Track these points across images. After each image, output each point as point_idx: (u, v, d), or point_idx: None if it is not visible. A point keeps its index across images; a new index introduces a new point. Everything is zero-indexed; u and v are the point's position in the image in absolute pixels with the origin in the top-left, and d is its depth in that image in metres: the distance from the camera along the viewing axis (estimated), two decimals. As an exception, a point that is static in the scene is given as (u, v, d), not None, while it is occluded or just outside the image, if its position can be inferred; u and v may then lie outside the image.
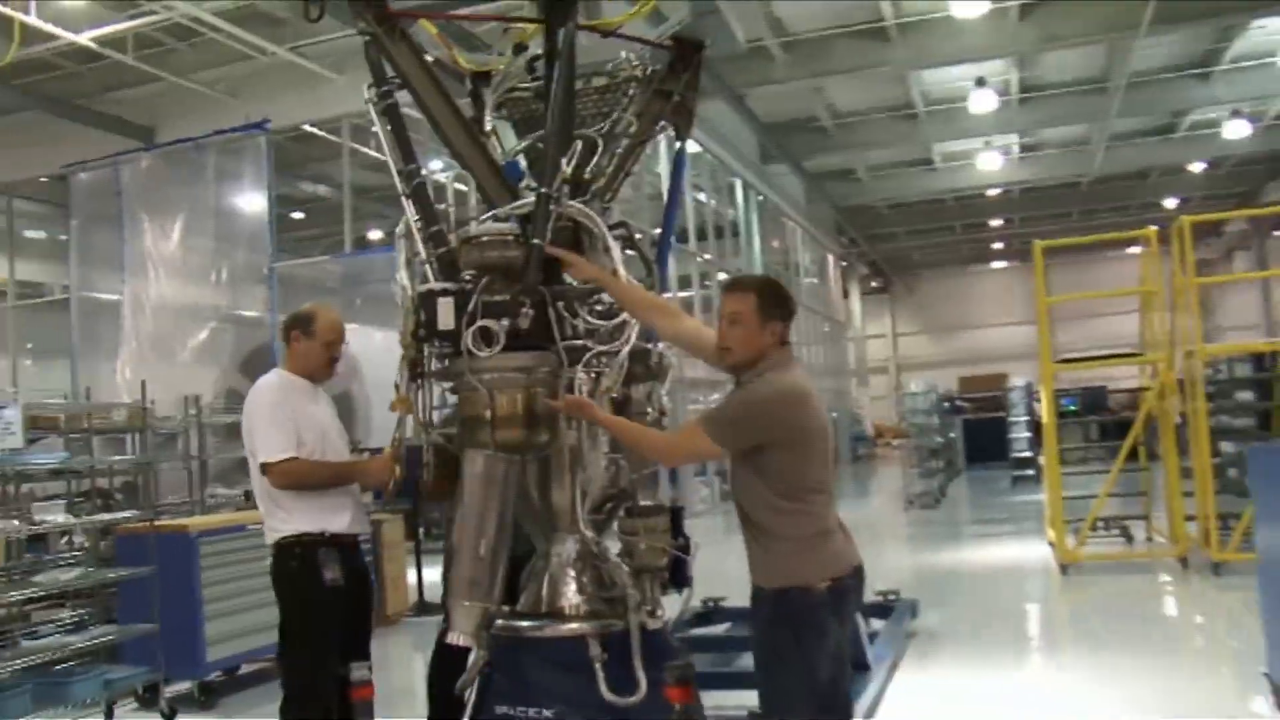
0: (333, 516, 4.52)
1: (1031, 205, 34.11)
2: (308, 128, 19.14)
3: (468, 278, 3.95)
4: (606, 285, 4.04)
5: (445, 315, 3.84)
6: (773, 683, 3.68)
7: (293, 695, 4.46)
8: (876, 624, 7.64)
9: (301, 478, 4.47)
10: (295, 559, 4.47)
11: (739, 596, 8.34)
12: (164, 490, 11.78)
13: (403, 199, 4.15)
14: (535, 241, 3.91)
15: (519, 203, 4.10)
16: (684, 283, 21.17)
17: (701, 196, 22.53)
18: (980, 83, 21.18)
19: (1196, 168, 30.82)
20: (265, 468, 4.47)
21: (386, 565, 10.13)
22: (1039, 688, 6.99)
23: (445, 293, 3.87)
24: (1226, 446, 11.53)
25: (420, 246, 4.10)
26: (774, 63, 19.11)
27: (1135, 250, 42.40)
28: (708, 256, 22.38)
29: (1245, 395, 12.65)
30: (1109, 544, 12.01)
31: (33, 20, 13.90)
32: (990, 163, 27.65)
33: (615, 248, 4.12)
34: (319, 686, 4.35)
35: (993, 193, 32.68)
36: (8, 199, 21.13)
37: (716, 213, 23.42)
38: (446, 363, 3.98)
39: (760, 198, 26.01)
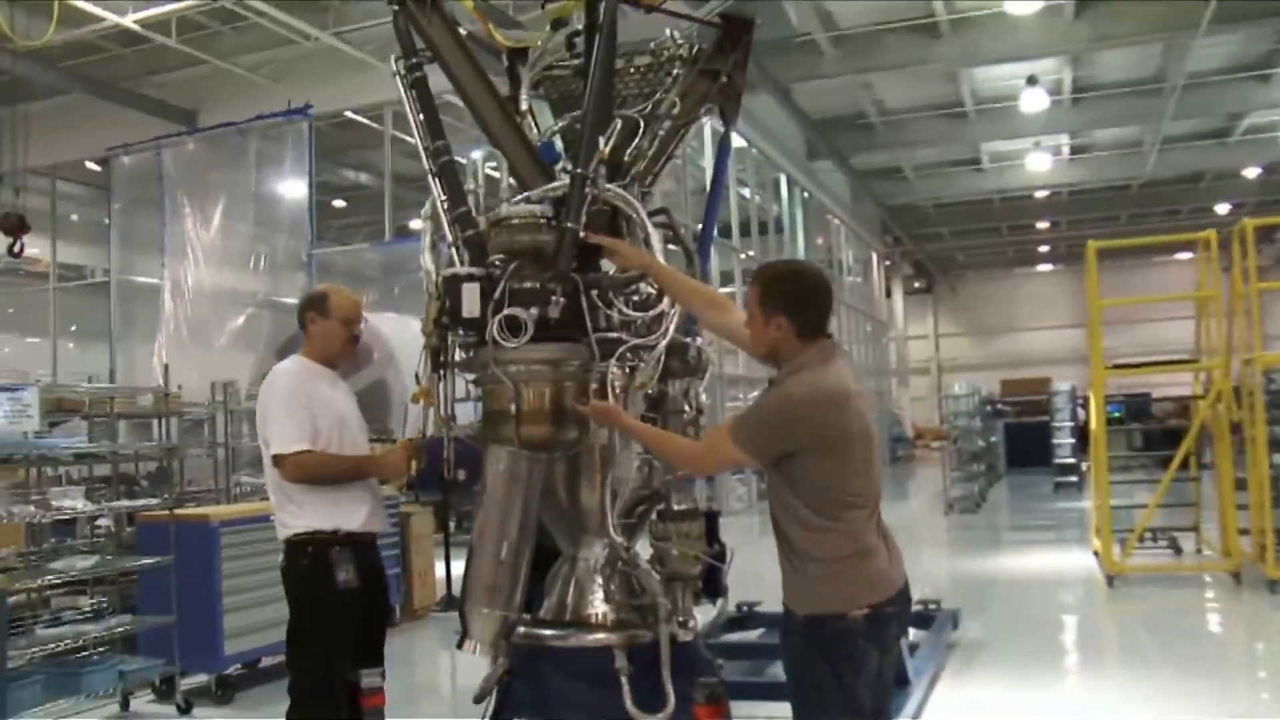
0: (348, 514, 4.30)
1: (1080, 208, 33.57)
2: (350, 114, 19.06)
3: (496, 263, 3.70)
4: (652, 272, 3.78)
5: (470, 302, 3.60)
6: (807, 713, 3.37)
7: (301, 700, 4.24)
8: (916, 635, 7.36)
9: (315, 471, 4.25)
10: (307, 557, 4.25)
11: (774, 601, 8.16)
12: (193, 478, 11.70)
13: (430, 178, 3.92)
14: (569, 225, 3.67)
15: (553, 185, 3.86)
16: (726, 278, 20.89)
17: (745, 192, 22.25)
18: (1032, 81, 20.75)
19: (1251, 173, 30.22)
20: (277, 460, 4.26)
21: (415, 559, 9.96)
22: (1083, 706, 6.68)
23: (471, 278, 3.63)
24: (1279, 459, 11.14)
25: (446, 229, 3.87)
26: (822, 57, 18.80)
27: (1184, 256, 41.98)
28: (751, 253, 22.08)
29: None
30: (1156, 556, 11.64)
31: (77, 2, 13.83)
32: (1039, 163, 27.16)
33: (655, 235, 3.88)
34: (328, 691, 4.13)
35: (1041, 194, 32.18)
36: (51, 181, 21.16)
37: (760, 208, 23.12)
38: (471, 353, 3.74)
39: (805, 194, 25.68)
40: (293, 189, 17.15)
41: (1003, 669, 7.41)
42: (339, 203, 26.13)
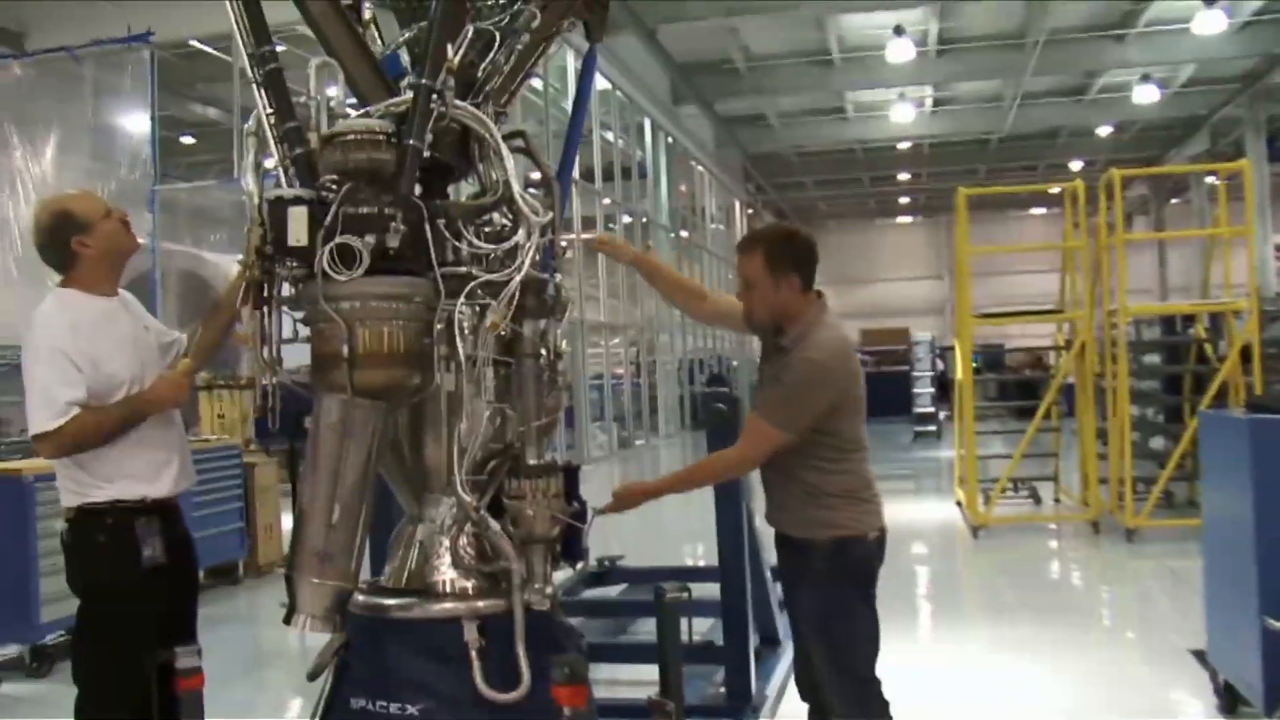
0: (154, 477, 3.67)
1: (941, 160, 34.06)
2: (196, 44, 18.03)
3: (328, 185, 3.22)
4: (642, 267, 4.09)
5: (297, 228, 3.10)
6: (835, 637, 3.61)
7: (91, 693, 3.62)
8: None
9: (82, 439, 3.52)
10: (105, 531, 3.59)
11: (636, 556, 7.90)
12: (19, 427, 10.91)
13: (254, 89, 3.42)
14: (411, 142, 3.20)
15: (395, 99, 3.39)
16: (589, 223, 20.49)
17: (609, 135, 21.83)
18: (898, 31, 20.74)
19: (1104, 131, 30.99)
20: (35, 441, 3.57)
21: (259, 511, 9.46)
22: (953, 656, 6.55)
23: (298, 200, 3.13)
24: (1132, 410, 11.28)
25: (272, 146, 3.37)
26: (689, -1, 18.46)
27: (1039, 211, 43.02)
28: (611, 199, 21.69)
29: (1153, 359, 12.47)
30: (1017, 506, 11.73)
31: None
32: (903, 115, 27.29)
33: (509, 157, 3.44)
34: (125, 684, 3.54)
35: (903, 146, 32.52)
36: None
37: (624, 153, 22.74)
38: (299, 287, 3.26)
39: (669, 139, 25.39)
40: (134, 122, 16.13)
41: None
42: (187, 139, 24.95)
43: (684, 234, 27.75)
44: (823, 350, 3.56)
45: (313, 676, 3.62)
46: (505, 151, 3.44)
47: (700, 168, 29.04)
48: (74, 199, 3.79)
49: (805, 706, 3.90)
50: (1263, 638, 4.40)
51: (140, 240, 4.06)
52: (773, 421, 3.56)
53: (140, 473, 3.65)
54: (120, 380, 3.61)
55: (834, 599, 3.61)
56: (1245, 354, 9.78)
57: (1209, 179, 28.74)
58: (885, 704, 3.66)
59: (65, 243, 3.65)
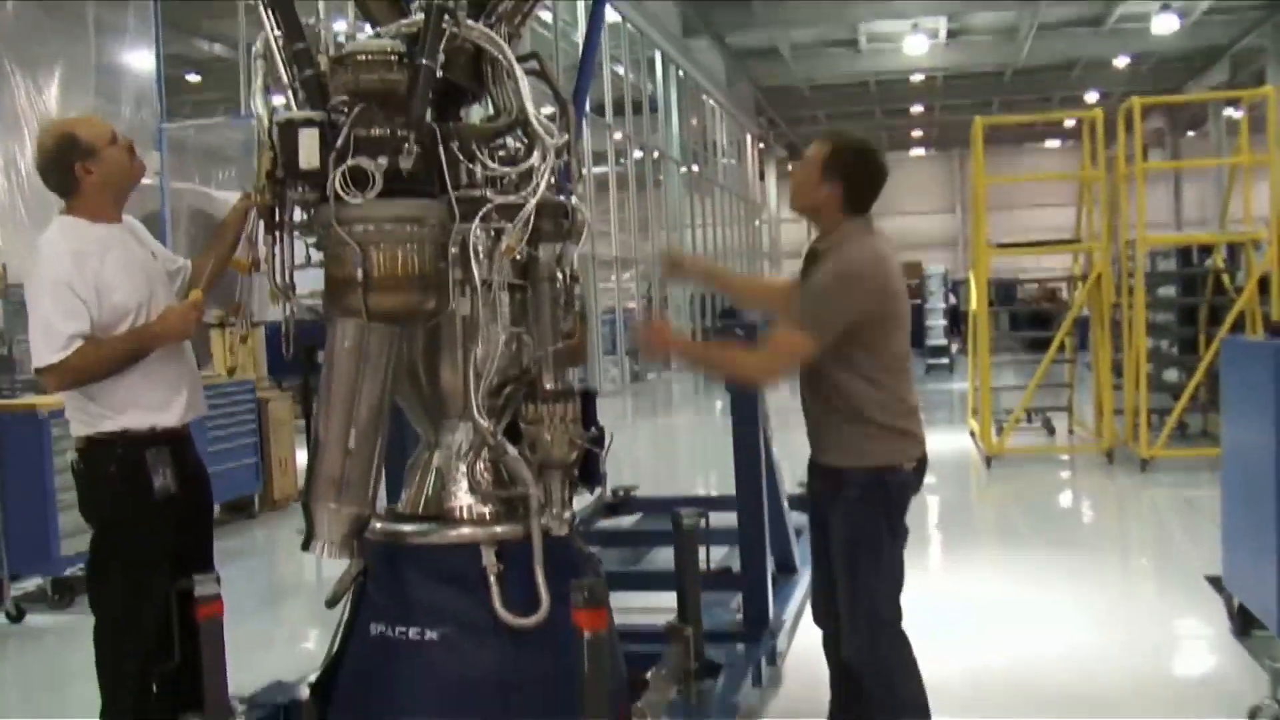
0: (162, 406, 3.62)
1: (954, 93, 33.71)
2: (200, -21, 17.87)
3: (339, 107, 3.17)
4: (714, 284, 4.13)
5: (308, 151, 3.05)
6: (860, 573, 3.53)
7: (108, 624, 3.61)
8: (800, 520, 7.15)
9: (85, 372, 3.47)
10: (115, 461, 3.55)
11: (651, 486, 7.92)
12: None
13: (261, 9, 3.36)
14: (424, 62, 3.15)
15: (406, 20, 3.34)
16: (599, 158, 20.35)
17: (619, 69, 21.61)
18: (912, -41, 20.42)
19: (1121, 62, 30.56)
20: (39, 375, 3.51)
21: (273, 446, 9.49)
22: (967, 585, 6.57)
23: (309, 123, 3.09)
24: (1147, 341, 11.22)
25: (281, 69, 3.32)
26: (701, -72, 18.18)
27: (1054, 144, 42.65)
28: (622, 134, 21.52)
29: (1168, 290, 12.40)
30: (1032, 436, 11.72)
31: None
32: (917, 46, 26.95)
33: (523, 80, 3.39)
34: (141, 613, 3.54)
35: (916, 78, 32.14)
36: None
37: (635, 86, 22.53)
38: (311, 212, 3.22)
39: (680, 73, 25.14)
40: (139, 60, 16.01)
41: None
42: (193, 77, 24.78)
43: (695, 168, 27.56)
44: (853, 260, 3.46)
45: (331, 604, 3.63)
46: (519, 73, 3.39)
47: (711, 101, 28.78)
48: (79, 123, 3.70)
49: (820, 632, 3.88)
50: (1279, 560, 4.39)
51: (148, 180, 3.99)
52: (801, 322, 3.44)
53: (150, 402, 3.60)
54: (127, 309, 3.55)
55: (864, 532, 3.52)
56: (1264, 285, 9.70)
57: (1227, 111, 28.41)
58: (902, 644, 3.58)
59: (69, 167, 3.57)
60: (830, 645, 3.82)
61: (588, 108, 16.51)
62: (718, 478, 9.72)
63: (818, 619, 3.88)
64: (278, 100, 3.39)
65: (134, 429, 3.57)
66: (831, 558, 3.65)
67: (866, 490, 3.50)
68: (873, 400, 3.48)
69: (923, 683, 3.58)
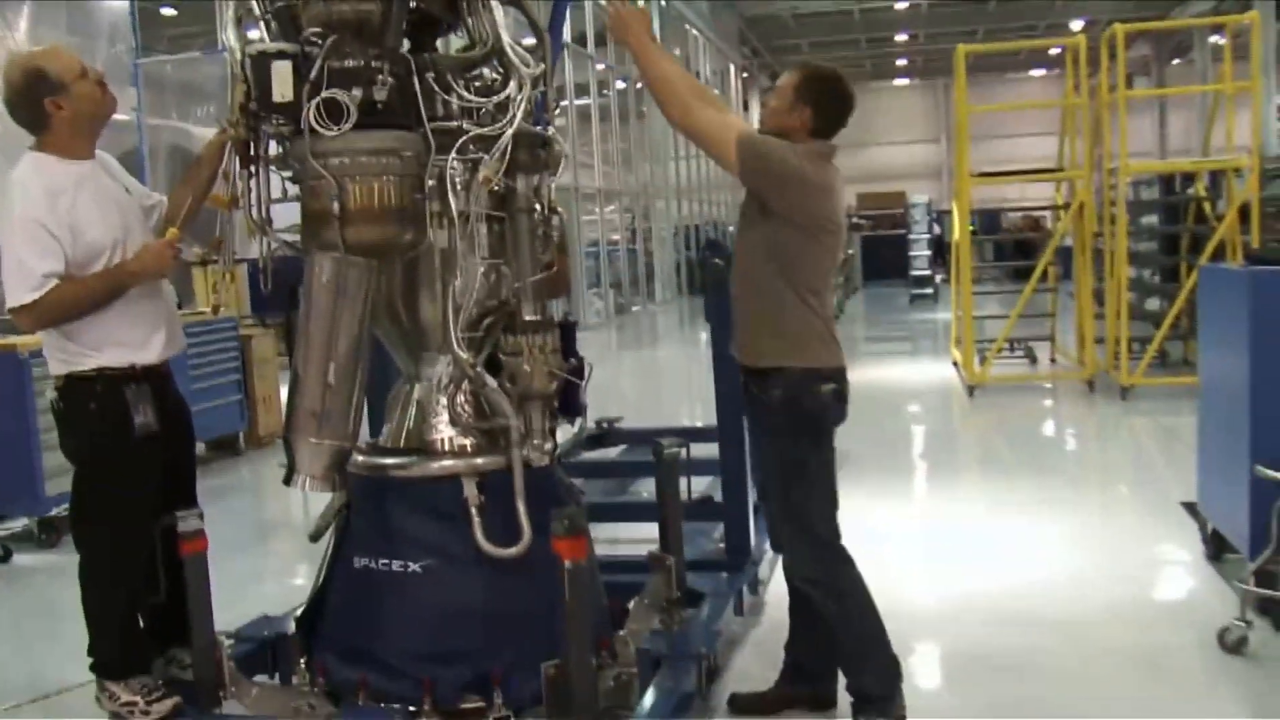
0: (142, 344, 3.58)
1: (938, 21, 33.36)
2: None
3: (313, 38, 3.14)
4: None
5: (282, 83, 3.04)
6: (792, 486, 3.60)
7: (93, 562, 3.63)
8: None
9: (61, 312, 3.42)
10: (94, 399, 3.53)
11: (635, 417, 7.94)
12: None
13: (231, -62, 3.32)
14: (398, -9, 3.13)
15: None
16: (581, 90, 20.16)
17: (601, -1, 21.34)
18: (896, -117, 20.15)
19: (1106, -12, 30.28)
20: (14, 315, 3.45)
21: (257, 384, 9.46)
22: (953, 515, 6.63)
23: (282, 55, 3.06)
24: (1129, 270, 11.25)
25: (254, 1, 3.29)
26: None
27: (1038, 73, 42.39)
28: (605, 64, 21.31)
29: (1150, 219, 12.39)
30: (1014, 365, 11.78)
31: None
32: (901, -27, 26.66)
33: (498, 9, 3.36)
34: (125, 550, 3.56)
35: (900, 6, 31.82)
36: None
37: (616, 17, 22.25)
38: (286, 145, 3.20)
39: (663, 2, 24.83)
40: (111, -9, 15.76)
41: (871, 481, 7.32)
42: (168, 10, 24.36)
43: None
44: (806, 160, 3.52)
45: (315, 538, 3.67)
46: (494, 2, 3.36)
47: (695, 31, 28.47)
48: (47, 55, 3.60)
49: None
50: (1251, 485, 4.43)
51: (124, 116, 3.92)
52: (738, 136, 3.47)
53: (128, 340, 3.56)
54: (102, 246, 3.50)
55: (788, 451, 3.59)
56: (1244, 213, 9.70)
57: (1213, 38, 28.23)
58: (845, 560, 3.63)
59: (38, 103, 3.49)
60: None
61: (569, 38, 16.27)
62: (703, 409, 9.76)
63: (772, 543, 3.91)
64: (254, 34, 3.35)
65: (112, 366, 3.54)
66: (765, 479, 3.76)
67: (788, 411, 3.55)
68: (794, 308, 3.53)
69: (871, 597, 3.62)
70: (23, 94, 3.52)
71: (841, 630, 3.61)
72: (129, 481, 3.58)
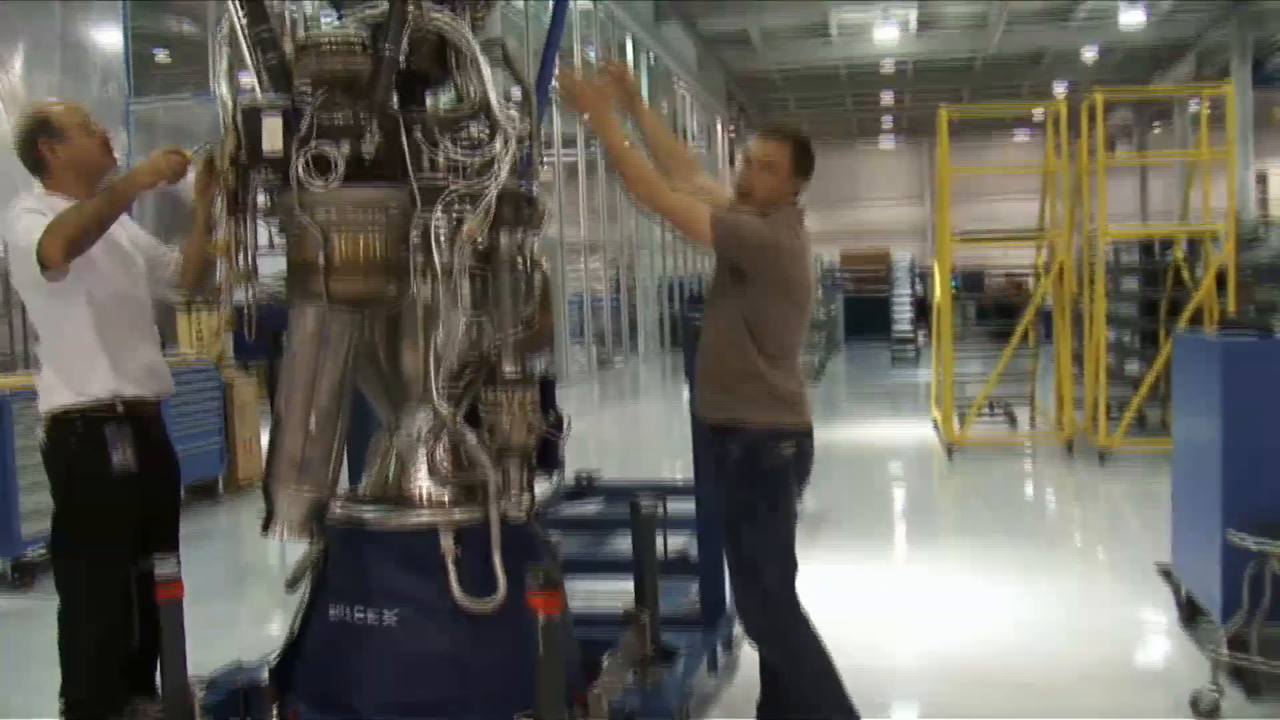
0: (123, 383, 3.64)
1: (924, 82, 33.81)
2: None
3: (303, 92, 3.20)
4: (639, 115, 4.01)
5: (272, 136, 3.08)
6: (744, 539, 3.66)
7: (68, 601, 3.64)
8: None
9: (75, 229, 3.41)
10: (74, 436, 3.60)
11: (614, 470, 7.96)
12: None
13: (226, -6, 3.37)
14: (387, 50, 3.18)
15: (370, 6, 3.37)
16: (569, 143, 20.32)
17: (591, 54, 21.58)
18: (883, -52, 20.50)
19: (1089, 54, 30.75)
20: (40, 253, 3.40)
21: (238, 428, 9.47)
22: (926, 577, 6.65)
23: (272, 109, 3.12)
24: (1109, 334, 11.35)
25: (246, 54, 3.33)
26: (673, -88, 18.18)
27: (1022, 137, 42.86)
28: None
29: (1130, 283, 12.52)
30: (993, 427, 11.83)
31: None
32: (887, 34, 27.08)
33: (486, 67, 3.42)
34: (100, 591, 3.57)
35: (886, 67, 32.23)
36: None
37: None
38: (274, 196, 3.24)
39: (652, 58, 25.11)
40: (105, 36, 15.82)
41: (847, 541, 7.34)
42: (161, 55, 24.55)
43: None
44: (780, 227, 3.63)
45: (291, 586, 3.67)
46: (482, 60, 3.41)
47: (682, 87, 28.77)
48: (54, 106, 3.79)
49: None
50: (1223, 550, 4.47)
51: (117, 156, 4.02)
52: (710, 209, 3.58)
53: (108, 377, 3.63)
54: (85, 280, 3.58)
55: (743, 502, 3.67)
56: (1221, 278, 9.83)
57: (1193, 104, 28.64)
58: (798, 620, 3.64)
59: (34, 144, 3.66)
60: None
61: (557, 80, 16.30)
62: (683, 463, 9.78)
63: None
64: (246, 80, 3.40)
65: (94, 403, 3.59)
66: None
67: (745, 463, 3.62)
68: (760, 368, 3.61)
69: (829, 657, 3.63)
70: (24, 136, 3.69)
71: (795, 690, 3.63)
72: (105, 520, 3.61)
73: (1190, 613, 5.26)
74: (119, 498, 3.62)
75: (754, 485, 3.63)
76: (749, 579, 3.66)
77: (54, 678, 3.64)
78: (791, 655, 3.62)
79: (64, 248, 3.43)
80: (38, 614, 5.70)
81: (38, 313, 3.72)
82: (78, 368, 3.61)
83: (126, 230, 3.88)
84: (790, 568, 3.67)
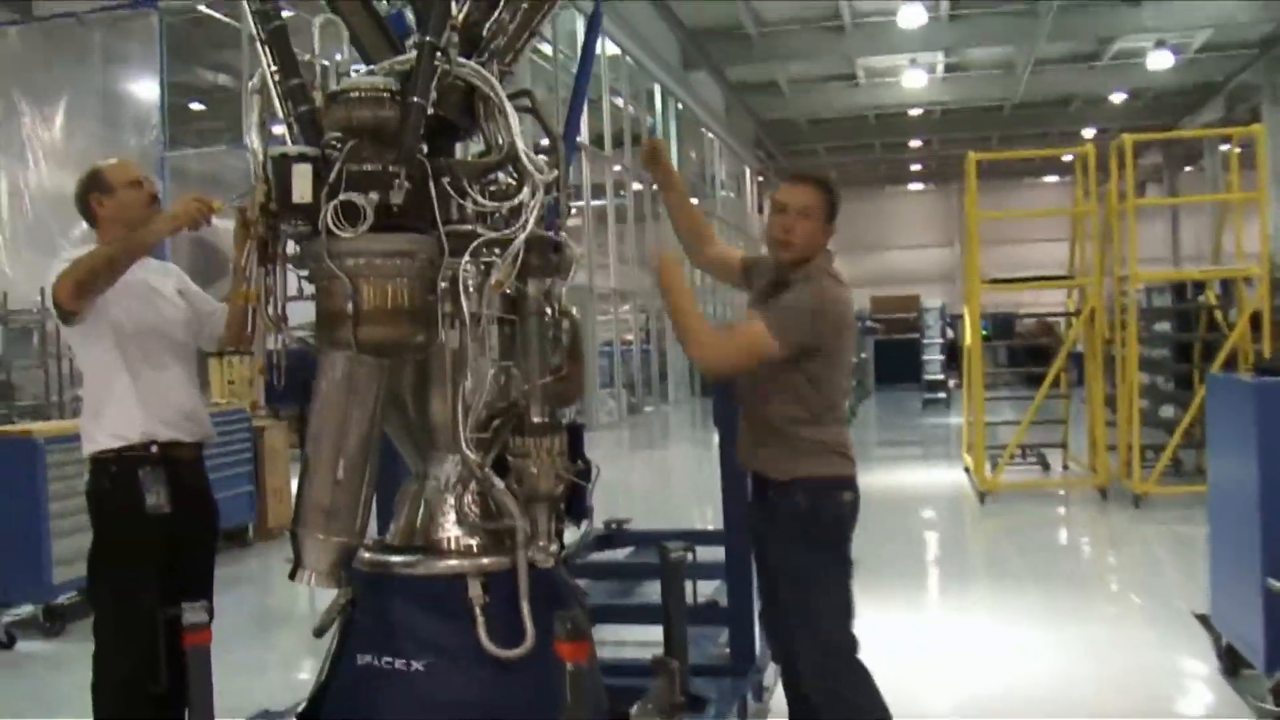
0: (159, 418, 3.75)
1: (952, 127, 33.88)
2: (204, 9, 17.98)
3: (333, 142, 3.23)
4: (670, 187, 4.19)
5: (301, 185, 3.10)
6: (810, 605, 3.61)
7: (104, 642, 3.72)
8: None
9: (90, 267, 3.59)
10: (110, 479, 3.71)
11: (644, 518, 7.93)
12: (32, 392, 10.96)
13: (258, 46, 3.42)
14: (415, 99, 3.21)
15: (400, 57, 3.40)
16: (598, 190, 20.43)
17: (619, 101, 21.75)
18: (910, -5, 20.63)
19: (1117, 98, 30.80)
20: (54, 295, 3.61)
21: (268, 475, 9.51)
22: (956, 625, 6.57)
23: (302, 158, 3.14)
24: (1142, 377, 11.26)
25: (277, 104, 3.38)
26: (700, -37, 18.38)
27: (1051, 180, 42.82)
28: (621, 166, 21.63)
29: (1163, 326, 12.44)
30: (1026, 472, 11.73)
31: None
32: (914, 81, 27.16)
33: (513, 116, 3.44)
34: (135, 632, 3.60)
35: (915, 112, 32.33)
36: None
37: (634, 119, 22.66)
38: (303, 245, 3.27)
39: (679, 106, 25.29)
40: (143, 88, 16.13)
41: (881, 587, 7.26)
42: (197, 105, 24.91)
43: (694, 201, 27.55)
44: (832, 290, 3.63)
45: (319, 633, 3.66)
46: (510, 110, 3.43)
47: (711, 134, 28.93)
48: (110, 163, 3.99)
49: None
50: (1265, 599, 4.40)
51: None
52: (773, 327, 3.52)
53: (140, 420, 3.74)
54: (114, 318, 3.74)
55: (804, 559, 3.62)
56: (1255, 321, 9.75)
57: (1223, 146, 28.53)
58: (860, 672, 3.60)
59: (86, 198, 3.87)
60: (787, 678, 3.86)
61: (588, 139, 16.56)
62: (714, 511, 9.74)
63: (774, 654, 3.91)
64: (277, 129, 3.45)
65: (131, 445, 3.71)
66: (775, 588, 3.76)
67: (807, 520, 3.60)
68: (819, 420, 3.63)
69: (888, 713, 3.58)
70: (79, 191, 3.92)
71: None
72: (136, 562, 3.69)
73: (1232, 663, 5.16)
74: (150, 538, 3.70)
75: (817, 537, 3.61)
76: (811, 631, 3.60)
77: (82, 721, 3.67)
78: (852, 707, 3.55)
79: (72, 289, 3.58)
80: (68, 659, 5.72)
81: (78, 357, 3.95)
82: (108, 411, 3.74)
83: (175, 279, 4.05)
84: (850, 618, 3.64)
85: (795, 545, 3.64)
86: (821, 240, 3.71)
